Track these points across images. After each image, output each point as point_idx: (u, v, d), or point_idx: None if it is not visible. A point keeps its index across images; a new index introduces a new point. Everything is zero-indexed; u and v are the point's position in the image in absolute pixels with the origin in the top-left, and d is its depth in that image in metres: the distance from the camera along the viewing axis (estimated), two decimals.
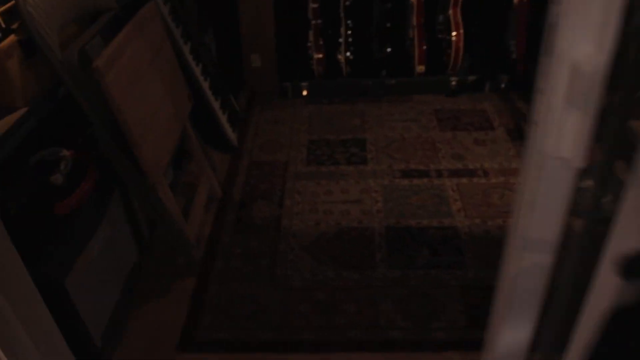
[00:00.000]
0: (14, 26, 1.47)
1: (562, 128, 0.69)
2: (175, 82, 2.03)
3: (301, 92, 3.00)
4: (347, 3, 2.87)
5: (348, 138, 2.66)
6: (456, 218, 2.14)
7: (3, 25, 1.44)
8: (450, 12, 2.84)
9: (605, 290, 0.76)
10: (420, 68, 2.91)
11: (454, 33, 2.83)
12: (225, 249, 2.03)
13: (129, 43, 1.71)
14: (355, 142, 2.63)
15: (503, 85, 2.98)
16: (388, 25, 2.92)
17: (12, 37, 1.43)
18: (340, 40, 2.93)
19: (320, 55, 2.93)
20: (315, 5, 2.88)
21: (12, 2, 1.45)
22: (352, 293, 1.85)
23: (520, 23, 2.88)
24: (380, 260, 1.96)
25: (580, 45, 0.64)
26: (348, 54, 2.93)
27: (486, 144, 2.58)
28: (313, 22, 2.90)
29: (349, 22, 2.91)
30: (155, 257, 1.98)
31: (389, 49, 2.92)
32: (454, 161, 2.46)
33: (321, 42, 2.94)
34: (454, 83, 2.96)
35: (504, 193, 2.26)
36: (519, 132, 2.66)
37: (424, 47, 2.87)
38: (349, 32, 2.92)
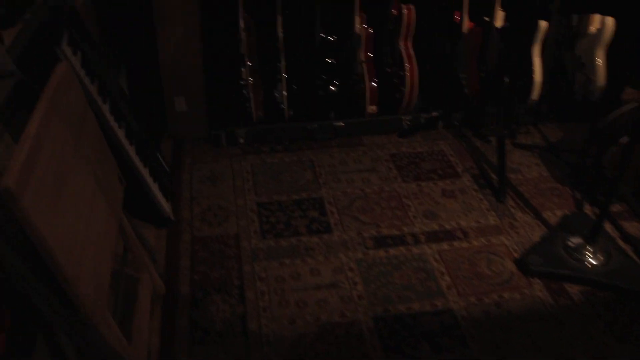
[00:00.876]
0: None
1: None
2: (104, 164, 1.55)
3: (237, 140, 2.58)
4: (283, 35, 2.50)
5: (303, 198, 2.29)
6: (449, 298, 1.87)
7: None
8: (401, 44, 2.57)
9: None
10: (372, 109, 2.61)
11: (407, 67, 2.56)
12: None
13: (47, 133, 1.22)
14: (312, 202, 2.27)
15: (457, 122, 2.77)
16: (331, 61, 2.58)
17: None
18: (279, 77, 2.56)
19: (258, 96, 2.54)
20: (249, 39, 2.47)
21: None
22: None
23: (471, 55, 2.68)
24: None
25: None
26: (289, 93, 2.56)
27: (456, 195, 2.34)
28: (247, 58, 2.50)
29: (288, 57, 2.54)
30: None
31: (332, 87, 2.58)
32: (428, 221, 2.19)
33: (258, 81, 2.54)
34: (406, 122, 2.70)
35: (490, 259, 2.03)
36: (485, 178, 2.44)
37: (375, 85, 2.57)
38: (289, 68, 2.55)
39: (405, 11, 2.50)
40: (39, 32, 1.62)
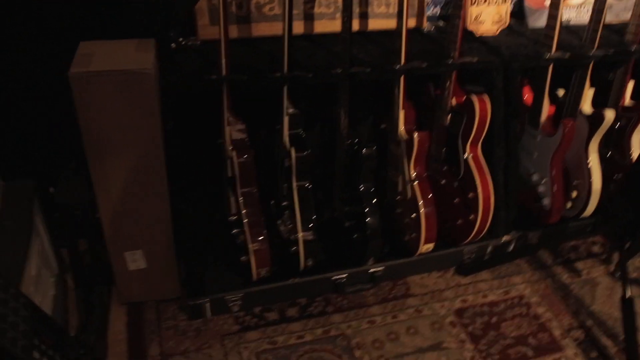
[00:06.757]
0: None
1: None
2: None
3: (229, 308, 1.69)
4: (295, 152, 1.61)
5: None
6: None
7: None
8: (469, 154, 1.73)
9: None
10: (427, 247, 1.78)
11: (478, 182, 1.73)
12: None
13: None
14: None
15: (534, 242, 1.99)
16: (362, 181, 1.71)
17: None
18: (287, 211, 1.68)
19: (259, 242, 1.64)
20: (241, 158, 1.57)
21: None
22: None
23: (558, 155, 1.88)
24: None
25: None
26: (306, 233, 1.68)
27: None
28: (241, 185, 1.60)
29: (300, 176, 1.66)
30: None
31: (370, 219, 1.72)
32: None
33: (258, 218, 1.64)
34: (469, 254, 1.89)
35: None
36: (595, 345, 1.68)
37: (434, 216, 1.73)
38: (304, 197, 1.67)
39: (477, 102, 1.65)
40: None
